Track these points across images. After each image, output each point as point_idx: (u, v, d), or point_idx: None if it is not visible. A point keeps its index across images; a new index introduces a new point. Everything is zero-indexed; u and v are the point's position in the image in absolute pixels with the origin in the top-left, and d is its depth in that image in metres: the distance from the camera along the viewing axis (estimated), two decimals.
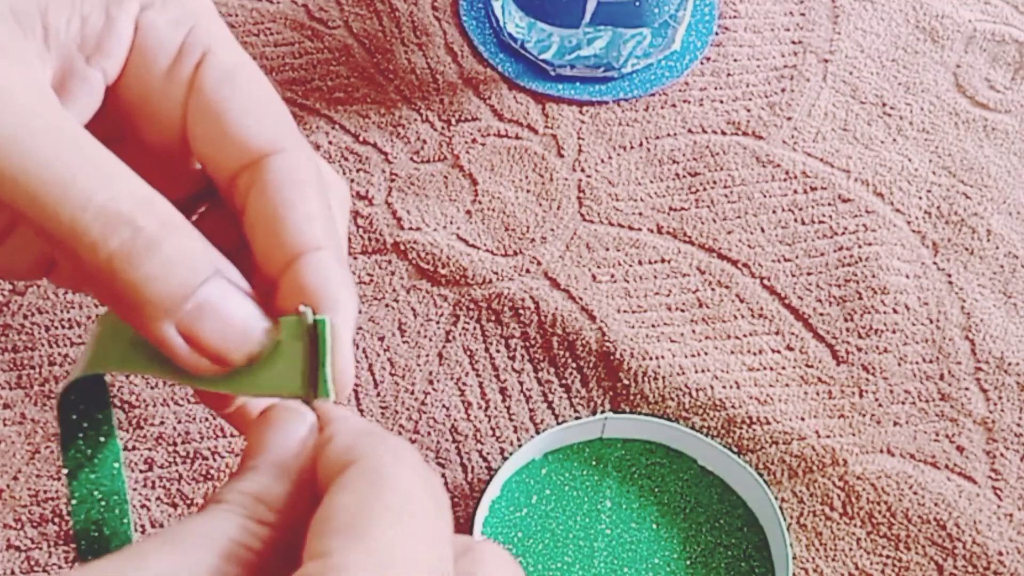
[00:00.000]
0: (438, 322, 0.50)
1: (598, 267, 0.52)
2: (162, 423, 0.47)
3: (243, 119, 0.22)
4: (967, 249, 0.53)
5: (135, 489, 0.46)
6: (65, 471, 0.23)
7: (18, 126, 0.19)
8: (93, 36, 0.21)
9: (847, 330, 0.50)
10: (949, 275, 0.52)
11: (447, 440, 0.47)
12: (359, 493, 0.18)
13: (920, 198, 0.55)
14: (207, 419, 0.47)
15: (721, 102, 0.58)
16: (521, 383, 0.49)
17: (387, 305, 0.51)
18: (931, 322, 0.51)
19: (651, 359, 0.49)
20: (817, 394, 0.48)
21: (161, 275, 0.19)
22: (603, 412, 0.48)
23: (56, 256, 0.23)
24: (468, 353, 0.49)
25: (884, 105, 0.59)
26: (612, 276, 0.52)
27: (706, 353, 0.49)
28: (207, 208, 0.25)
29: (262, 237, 0.22)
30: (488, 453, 0.47)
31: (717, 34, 0.61)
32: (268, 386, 0.21)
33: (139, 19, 0.22)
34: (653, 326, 0.50)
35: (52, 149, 0.19)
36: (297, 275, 0.21)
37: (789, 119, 0.58)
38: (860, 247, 0.53)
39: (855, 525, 0.45)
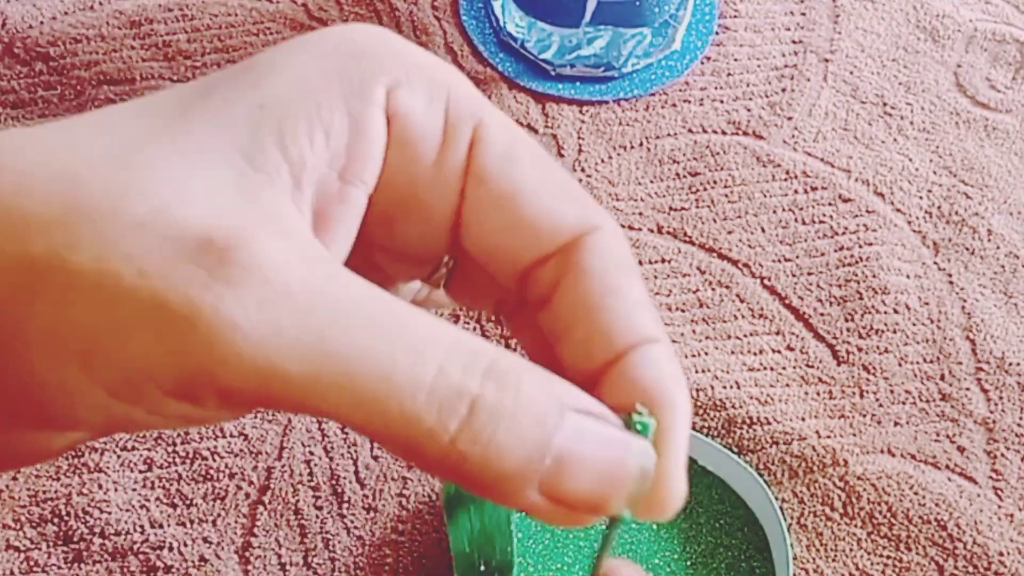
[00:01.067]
0: None
1: None
2: None
3: (543, 202, 0.19)
4: (968, 249, 0.53)
5: (134, 489, 0.45)
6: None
7: (318, 320, 0.15)
8: (342, 147, 0.18)
9: (848, 330, 0.50)
10: (950, 275, 0.52)
11: None
12: None
13: (921, 198, 0.55)
14: None
15: (721, 102, 0.58)
16: None
17: None
18: (932, 322, 0.51)
19: None
20: (818, 394, 0.48)
21: (511, 443, 0.16)
22: None
23: (384, 446, 0.19)
24: None
25: (885, 105, 0.59)
26: None
27: (706, 353, 0.49)
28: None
29: (583, 329, 0.19)
30: None
31: (717, 33, 0.61)
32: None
33: (390, 107, 0.18)
34: None
35: (364, 337, 0.15)
36: (630, 369, 0.18)
37: (790, 119, 0.58)
38: (861, 247, 0.53)
39: (856, 525, 0.45)
